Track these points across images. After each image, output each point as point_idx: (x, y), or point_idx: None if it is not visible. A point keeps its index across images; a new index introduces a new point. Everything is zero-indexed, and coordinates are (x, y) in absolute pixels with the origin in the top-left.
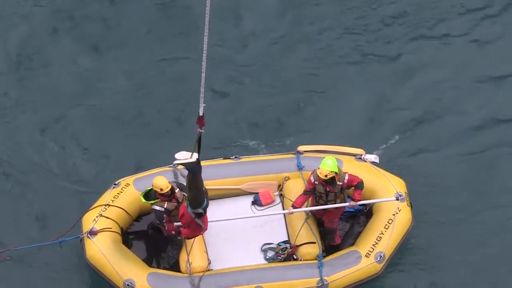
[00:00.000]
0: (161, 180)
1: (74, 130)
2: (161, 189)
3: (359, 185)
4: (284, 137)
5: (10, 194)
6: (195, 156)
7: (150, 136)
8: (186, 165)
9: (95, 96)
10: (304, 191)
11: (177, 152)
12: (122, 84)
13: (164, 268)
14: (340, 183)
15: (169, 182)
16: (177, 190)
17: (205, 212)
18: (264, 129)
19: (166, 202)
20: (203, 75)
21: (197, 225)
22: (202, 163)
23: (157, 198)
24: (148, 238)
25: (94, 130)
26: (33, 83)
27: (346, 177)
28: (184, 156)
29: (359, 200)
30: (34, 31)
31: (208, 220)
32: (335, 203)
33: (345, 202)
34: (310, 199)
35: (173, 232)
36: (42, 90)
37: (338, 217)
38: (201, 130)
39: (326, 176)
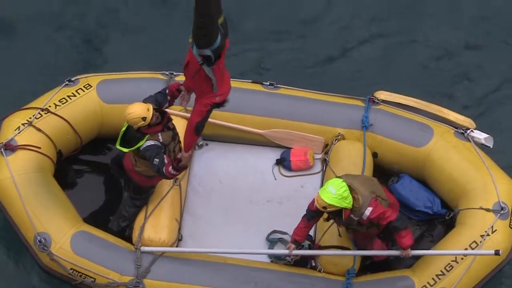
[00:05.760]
0: (138, 107)
1: None
2: (144, 118)
3: (397, 225)
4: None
5: None
6: None
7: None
8: None
9: None
10: (306, 211)
11: None
12: None
13: (110, 231)
14: (356, 218)
15: (146, 103)
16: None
17: (220, 56)
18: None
19: (159, 133)
20: None
21: (206, 81)
22: None
23: (142, 136)
24: (106, 177)
25: None
26: None
27: (367, 212)
28: None
29: (408, 247)
30: None
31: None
32: (366, 232)
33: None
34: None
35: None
36: None
37: (372, 239)
38: None
39: (324, 208)
